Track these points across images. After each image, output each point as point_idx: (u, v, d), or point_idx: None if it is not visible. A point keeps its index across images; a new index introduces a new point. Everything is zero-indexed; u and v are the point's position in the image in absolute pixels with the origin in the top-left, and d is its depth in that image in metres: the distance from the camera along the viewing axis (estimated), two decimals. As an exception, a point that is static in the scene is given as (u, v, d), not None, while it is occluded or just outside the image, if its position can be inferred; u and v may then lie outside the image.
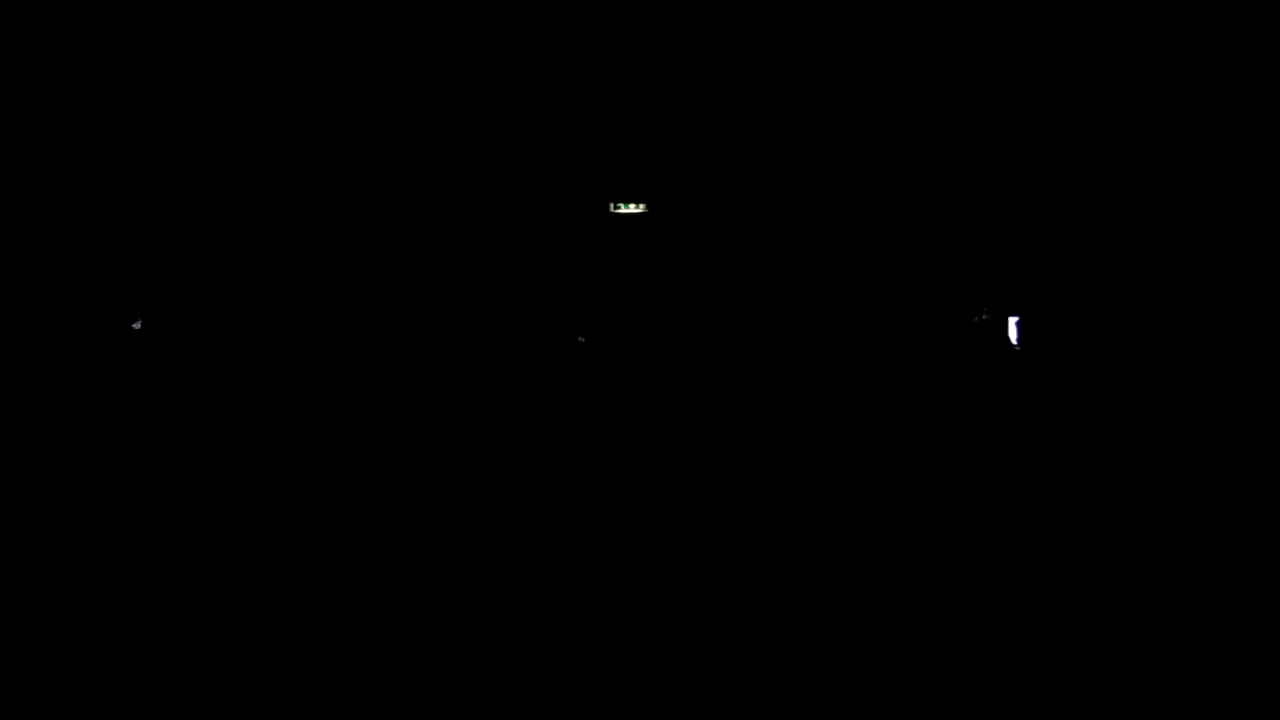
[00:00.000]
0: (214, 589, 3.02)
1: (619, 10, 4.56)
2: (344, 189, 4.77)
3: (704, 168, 4.81)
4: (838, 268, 4.80)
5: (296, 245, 4.77)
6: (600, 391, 4.80)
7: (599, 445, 4.57)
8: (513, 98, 4.73)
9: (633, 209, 4.84)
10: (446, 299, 4.81)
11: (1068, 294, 4.66)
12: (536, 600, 2.92)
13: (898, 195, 4.78)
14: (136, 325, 4.68)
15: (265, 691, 2.35)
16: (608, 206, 4.86)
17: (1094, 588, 2.97)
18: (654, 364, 4.83)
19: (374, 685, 2.38)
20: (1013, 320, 4.73)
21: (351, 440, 4.59)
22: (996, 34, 4.56)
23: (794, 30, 4.61)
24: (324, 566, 3.22)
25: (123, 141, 4.63)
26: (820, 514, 3.76)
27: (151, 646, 2.60)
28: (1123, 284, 4.60)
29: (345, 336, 4.78)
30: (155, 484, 4.11)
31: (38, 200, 4.57)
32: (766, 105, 4.74)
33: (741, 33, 4.62)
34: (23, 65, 4.45)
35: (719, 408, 4.77)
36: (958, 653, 2.53)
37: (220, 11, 4.53)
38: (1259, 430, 4.34)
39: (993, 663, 2.48)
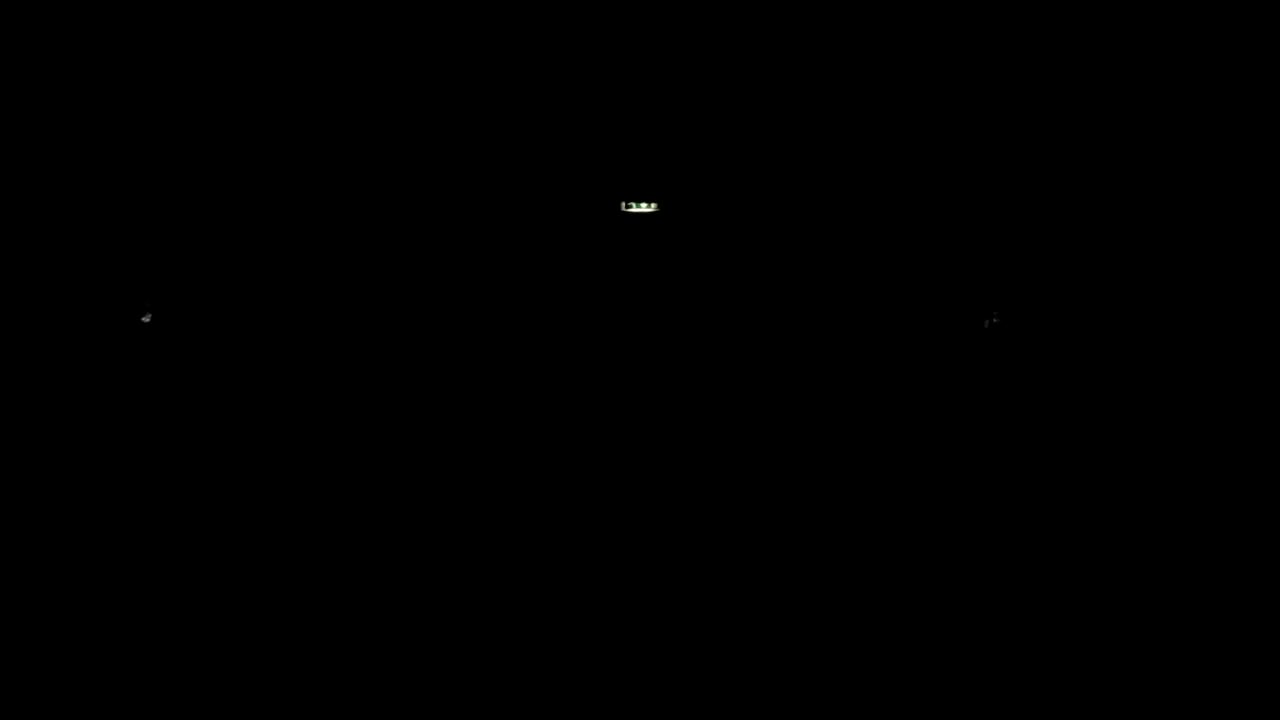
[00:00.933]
0: (216, 587, 3.02)
1: (630, 5, 4.53)
2: (350, 186, 4.75)
3: (718, 166, 4.79)
4: (852, 269, 4.79)
5: (301, 242, 4.76)
6: (609, 392, 4.79)
7: (607, 446, 4.57)
8: (522, 93, 4.70)
9: (644, 208, 4.82)
10: (453, 299, 4.80)
11: (1079, 297, 4.64)
12: (543, 599, 2.92)
13: (913, 196, 4.76)
14: (146, 319, 4.67)
15: (265, 690, 2.36)
16: (619, 205, 4.84)
17: (1103, 590, 2.97)
18: (665, 365, 4.82)
19: (374, 684, 2.38)
20: (1022, 322, 4.72)
21: (358, 439, 4.59)
22: (1011, 34, 4.53)
23: (811, 27, 4.58)
24: (326, 563, 3.22)
25: (125, 139, 4.62)
26: (831, 516, 3.76)
27: (152, 645, 2.61)
28: (1136, 287, 4.58)
29: (352, 335, 4.78)
30: (161, 477, 4.11)
31: (44, 196, 4.56)
32: (782, 103, 4.71)
33: (757, 29, 4.58)
34: (23, 65, 4.43)
35: (731, 409, 4.76)
36: (967, 653, 2.54)
37: (220, 11, 4.50)
38: (1271, 434, 4.34)
39: (995, 662, 2.48)
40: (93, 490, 3.99)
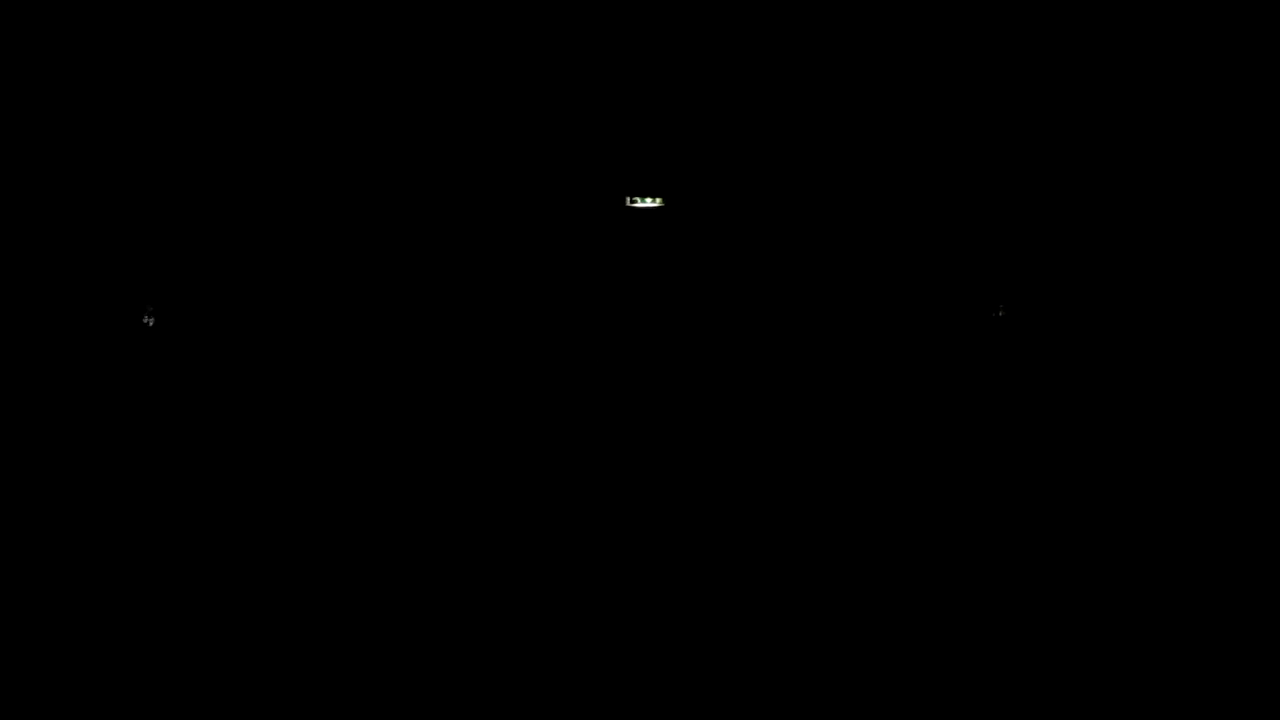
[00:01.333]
0: (216, 588, 3.01)
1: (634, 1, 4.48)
2: (353, 182, 4.72)
3: (725, 160, 4.75)
4: (861, 265, 4.75)
5: (304, 238, 4.73)
6: (613, 392, 4.77)
7: (611, 444, 4.56)
8: (526, 87, 4.66)
9: (650, 203, 4.79)
10: (456, 295, 4.78)
11: (1090, 290, 4.61)
12: (545, 599, 2.91)
13: (920, 190, 4.72)
14: (149, 321, 4.65)
15: (265, 691, 2.35)
16: (624, 200, 4.80)
17: (1110, 588, 2.95)
18: (670, 364, 4.80)
19: (374, 685, 2.38)
20: (1030, 315, 4.69)
21: (361, 438, 4.59)
22: (1017, 32, 4.47)
23: (818, 23, 4.53)
24: (327, 565, 3.21)
25: (126, 139, 4.58)
26: (838, 517, 3.74)
27: (152, 646, 2.60)
28: (1149, 281, 4.55)
29: (354, 333, 4.76)
30: (165, 478, 4.11)
31: (45, 197, 4.54)
32: (788, 98, 4.66)
33: (763, 24, 4.53)
34: (23, 65, 4.39)
35: (737, 410, 4.74)
36: (967, 653, 2.52)
37: (220, 11, 4.45)
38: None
39: (996, 661, 2.46)
40: (96, 492, 3.99)
